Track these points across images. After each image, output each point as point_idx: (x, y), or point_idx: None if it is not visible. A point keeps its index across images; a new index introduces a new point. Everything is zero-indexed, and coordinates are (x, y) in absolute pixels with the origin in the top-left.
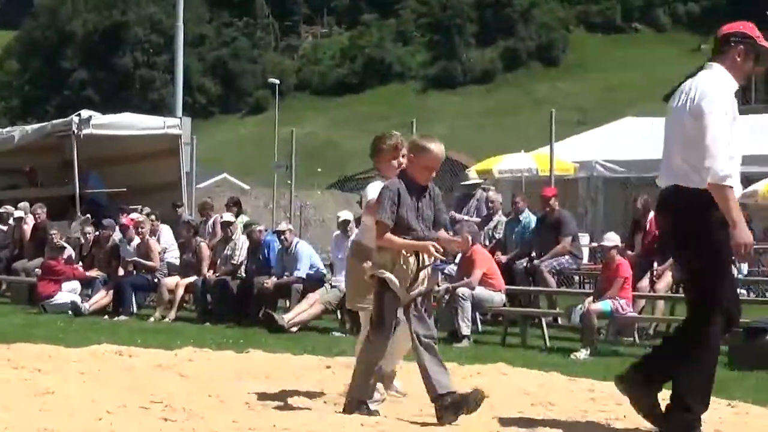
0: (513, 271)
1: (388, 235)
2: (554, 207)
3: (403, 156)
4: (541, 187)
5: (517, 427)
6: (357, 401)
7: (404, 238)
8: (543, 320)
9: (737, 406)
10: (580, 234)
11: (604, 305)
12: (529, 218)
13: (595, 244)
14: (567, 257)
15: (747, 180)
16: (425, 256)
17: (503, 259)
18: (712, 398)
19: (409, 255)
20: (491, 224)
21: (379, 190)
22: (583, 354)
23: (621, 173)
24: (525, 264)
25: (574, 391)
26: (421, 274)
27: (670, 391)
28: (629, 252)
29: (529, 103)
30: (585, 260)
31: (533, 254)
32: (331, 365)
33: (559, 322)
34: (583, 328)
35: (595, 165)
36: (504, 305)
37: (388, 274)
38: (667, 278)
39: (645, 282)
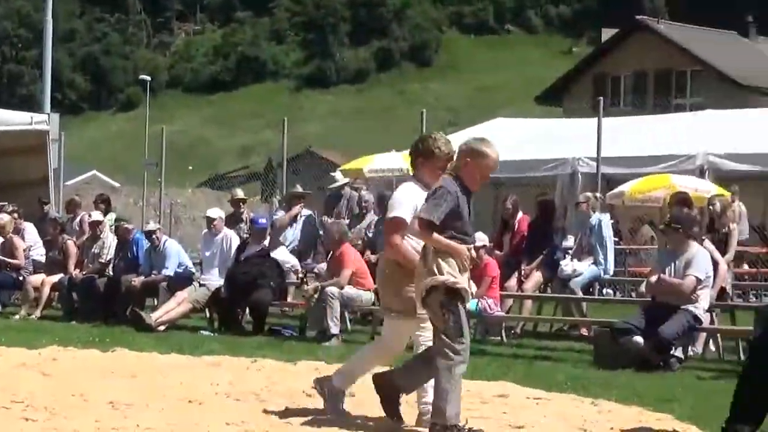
0: None
1: (436, 234)
2: None
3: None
4: None
5: (383, 422)
6: (447, 427)
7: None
8: None
9: (600, 404)
10: None
11: (472, 304)
12: None
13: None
14: None
15: (613, 181)
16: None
17: (373, 258)
18: (576, 396)
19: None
20: (364, 223)
21: (414, 191)
22: None
23: (492, 173)
24: None
25: None
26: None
27: None
28: (497, 252)
29: (402, 103)
30: None
31: None
32: (199, 364)
33: None
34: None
35: None
36: (373, 304)
37: (461, 284)
38: (535, 278)
39: (513, 281)
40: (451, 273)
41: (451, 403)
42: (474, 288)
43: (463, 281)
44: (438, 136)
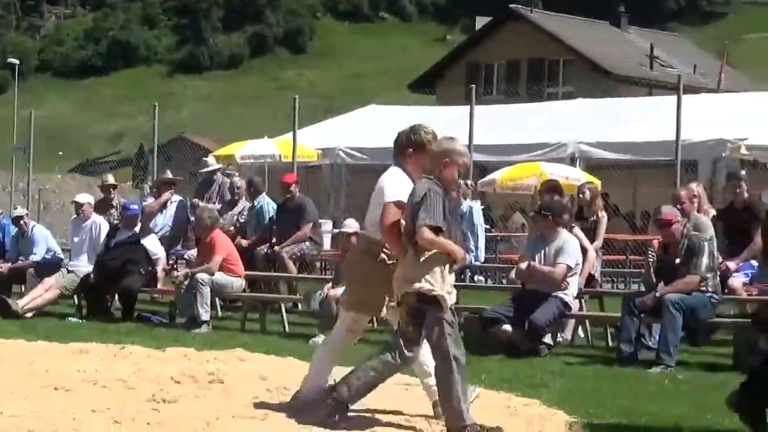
0: (254, 257)
1: (441, 238)
2: (294, 193)
3: None
4: (284, 173)
5: (252, 408)
6: (463, 428)
7: None
8: (283, 306)
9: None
10: (322, 220)
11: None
12: (262, 203)
13: (337, 231)
14: (308, 243)
15: (484, 169)
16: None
17: (244, 243)
18: None
19: (447, 265)
20: (236, 210)
21: (403, 178)
22: (321, 339)
23: (364, 160)
24: (266, 250)
25: None
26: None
27: None
28: None
29: (276, 89)
30: (327, 246)
31: (274, 240)
32: (66, 351)
33: (299, 307)
34: (322, 313)
35: (339, 152)
36: (244, 291)
37: (442, 294)
38: None
39: None
40: (429, 280)
41: (457, 408)
42: (453, 294)
43: (443, 288)
44: (429, 129)
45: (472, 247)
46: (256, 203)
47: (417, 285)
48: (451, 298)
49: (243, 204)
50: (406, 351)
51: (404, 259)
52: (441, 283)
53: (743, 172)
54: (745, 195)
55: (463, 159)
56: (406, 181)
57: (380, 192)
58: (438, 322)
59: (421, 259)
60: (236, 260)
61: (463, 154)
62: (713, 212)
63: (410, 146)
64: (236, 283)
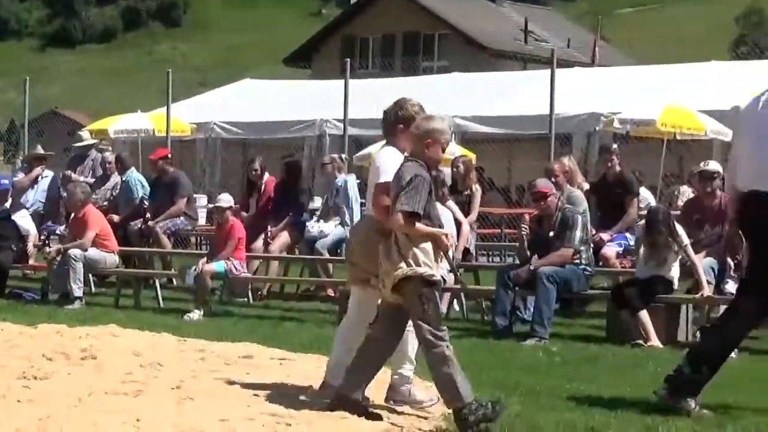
0: (128, 232)
1: (419, 224)
2: (166, 168)
3: None
4: (159, 147)
5: (125, 384)
6: (467, 406)
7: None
8: (157, 281)
9: None
10: (197, 195)
11: (218, 266)
12: (129, 178)
13: (212, 206)
14: (182, 218)
15: (360, 143)
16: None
17: (116, 218)
18: (321, 356)
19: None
20: (108, 185)
21: (397, 165)
22: (196, 315)
23: (239, 135)
24: (140, 225)
25: (185, 351)
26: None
27: None
28: (244, 213)
29: (150, 63)
30: (203, 221)
31: (148, 215)
32: None
33: (174, 283)
34: (197, 288)
35: (213, 126)
36: (117, 266)
37: (437, 276)
38: (282, 239)
39: (259, 243)
40: (427, 263)
41: (461, 384)
42: (445, 271)
43: (439, 271)
44: (414, 101)
45: (348, 222)
46: (124, 178)
47: (420, 270)
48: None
49: (115, 179)
50: (437, 331)
51: (399, 240)
52: (437, 264)
53: (615, 146)
54: (617, 168)
55: (445, 136)
56: (400, 159)
57: (375, 172)
58: (431, 301)
59: (416, 242)
60: (109, 235)
61: (445, 132)
62: (586, 186)
63: (399, 122)
64: (109, 258)
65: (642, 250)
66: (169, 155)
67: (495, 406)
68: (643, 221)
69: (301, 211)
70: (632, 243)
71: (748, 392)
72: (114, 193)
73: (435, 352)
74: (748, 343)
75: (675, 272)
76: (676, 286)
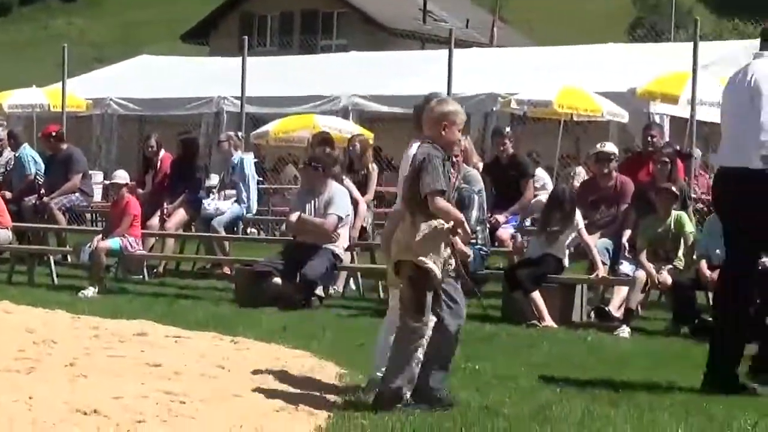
0: (22, 208)
1: (443, 201)
2: (59, 146)
3: None
4: (53, 123)
5: (14, 360)
6: (396, 389)
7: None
8: (51, 258)
9: (239, 342)
10: (93, 171)
11: (114, 243)
12: (22, 153)
13: (108, 182)
14: (77, 194)
15: (257, 121)
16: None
17: (8, 195)
18: (216, 335)
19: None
20: (1, 160)
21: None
22: (91, 292)
23: (135, 111)
24: (34, 201)
25: (79, 329)
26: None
27: None
28: (140, 190)
29: (46, 38)
30: (98, 198)
31: (43, 191)
32: None
33: (69, 259)
34: (91, 265)
35: (110, 102)
36: (11, 242)
37: (435, 269)
38: (178, 216)
39: (155, 220)
40: (429, 253)
41: (409, 371)
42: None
43: (440, 261)
44: (440, 93)
45: (244, 199)
46: (17, 154)
47: (420, 258)
48: (450, 263)
49: (8, 155)
50: (412, 320)
51: (403, 225)
52: (436, 254)
53: (508, 129)
54: (510, 151)
55: (461, 117)
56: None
57: (406, 164)
58: (419, 290)
59: (421, 228)
60: (2, 211)
61: (460, 113)
62: (481, 165)
63: (426, 119)
64: (3, 234)
65: (536, 226)
66: (56, 132)
67: (418, 406)
68: (538, 198)
69: (198, 188)
70: (528, 224)
71: (642, 370)
72: (7, 169)
73: (408, 334)
74: (639, 322)
75: (565, 251)
76: (566, 264)
